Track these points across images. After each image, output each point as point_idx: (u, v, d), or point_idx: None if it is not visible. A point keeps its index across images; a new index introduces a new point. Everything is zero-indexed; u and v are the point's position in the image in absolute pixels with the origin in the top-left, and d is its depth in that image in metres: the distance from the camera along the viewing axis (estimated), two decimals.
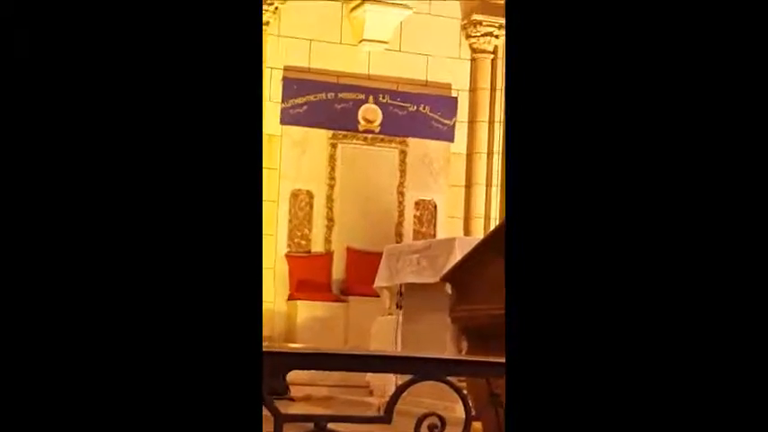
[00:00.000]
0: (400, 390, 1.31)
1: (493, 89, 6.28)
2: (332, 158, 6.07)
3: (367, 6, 5.95)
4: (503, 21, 6.11)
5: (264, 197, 5.72)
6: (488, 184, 6.27)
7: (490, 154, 6.25)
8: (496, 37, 6.29)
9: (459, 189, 6.31)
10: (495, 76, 6.31)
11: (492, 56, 6.32)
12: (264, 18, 5.99)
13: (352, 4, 6.12)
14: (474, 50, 6.30)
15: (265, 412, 1.24)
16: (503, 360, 1.14)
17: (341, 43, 6.25)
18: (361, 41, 6.13)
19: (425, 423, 1.23)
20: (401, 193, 6.20)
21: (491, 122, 6.32)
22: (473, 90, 6.25)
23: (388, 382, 2.62)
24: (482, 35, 6.22)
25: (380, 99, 6.13)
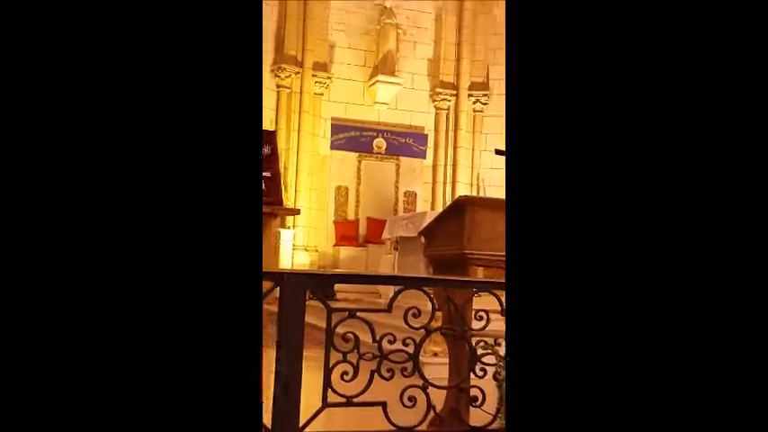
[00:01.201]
0: (396, 294, 1.87)
1: (447, 130, 9.10)
2: (358, 169, 8.85)
3: (378, 84, 8.65)
4: (453, 91, 9.09)
5: (322, 189, 8.72)
6: (444, 183, 9.05)
7: (445, 165, 9.05)
8: (449, 101, 9.11)
9: (428, 185, 9.09)
10: (448, 122, 9.12)
11: (447, 111, 9.14)
12: (320, 90, 8.51)
13: (370, 82, 8.80)
14: (436, 108, 9.16)
15: (320, 305, 1.74)
16: (454, 278, 1.75)
17: (363, 105, 8.96)
18: (374, 103, 8.86)
19: (410, 312, 1.75)
20: (397, 188, 8.96)
21: (446, 148, 9.08)
22: (436, 130, 9.13)
23: (389, 290, 2.99)
24: (441, 100, 9.11)
25: (385, 135, 8.95)
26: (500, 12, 9.06)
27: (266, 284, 1.75)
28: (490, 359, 2.23)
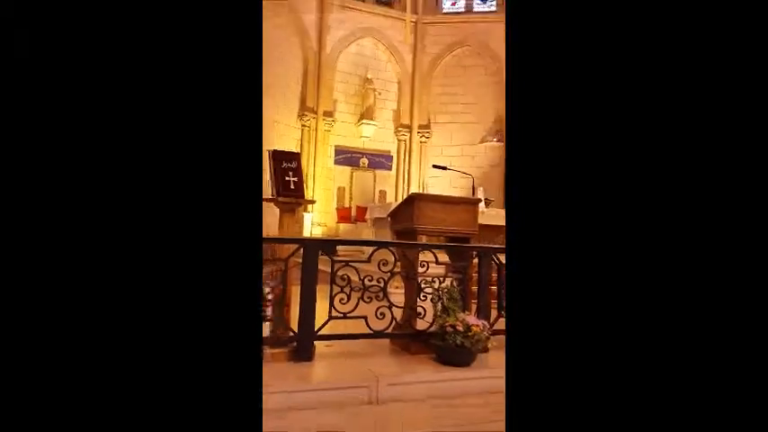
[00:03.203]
0: (373, 251, 2.49)
1: (404, 153, 10.95)
2: (351, 176, 10.58)
3: (363, 125, 10.49)
4: (408, 130, 10.75)
5: (328, 188, 10.15)
6: (402, 185, 10.86)
7: (403, 175, 10.90)
8: (405, 135, 10.93)
9: (392, 186, 10.83)
10: (405, 149, 10.93)
11: (404, 142, 10.95)
12: (328, 128, 10.33)
13: (358, 124, 10.54)
14: (398, 140, 11.00)
15: (327, 258, 2.41)
16: (407, 242, 2.68)
17: (354, 137, 10.63)
18: (361, 136, 10.56)
19: (381, 262, 2.37)
20: (374, 188, 10.70)
21: (403, 164, 10.96)
22: (398, 154, 10.95)
23: (369, 249, 2.88)
24: (401, 135, 10.97)
25: (367, 156, 10.67)
26: (437, 82, 11.19)
27: (294, 246, 2.36)
28: (429, 290, 2.80)
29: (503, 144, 10.59)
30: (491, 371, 2.69)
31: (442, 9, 11.22)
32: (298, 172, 2.96)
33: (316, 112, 10.25)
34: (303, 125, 10.20)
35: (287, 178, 2.90)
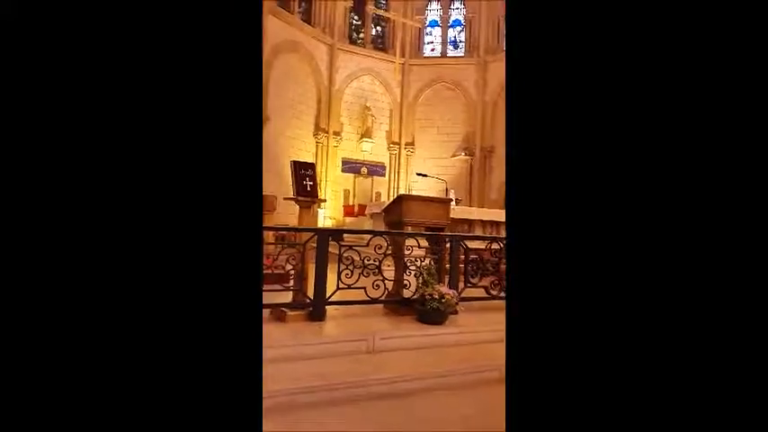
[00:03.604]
0: (371, 239, 2.70)
1: (394, 164, 10.94)
2: (354, 182, 10.49)
3: (363, 142, 10.48)
4: (397, 146, 10.65)
5: (337, 191, 10.03)
6: (393, 188, 10.81)
7: (394, 181, 10.88)
8: (395, 150, 10.93)
9: (386, 190, 10.80)
10: (395, 160, 10.95)
11: (395, 155, 10.93)
12: (336, 144, 10.16)
13: (359, 141, 10.52)
14: (390, 153, 10.99)
15: (336, 243, 2.71)
16: (397, 231, 2.79)
17: (356, 151, 10.60)
18: (362, 151, 10.55)
19: (376, 246, 2.62)
20: (372, 190, 10.64)
21: (394, 173, 10.94)
22: (390, 164, 10.94)
23: (368, 237, 2.77)
24: (392, 150, 10.98)
25: (367, 166, 10.66)
26: (419, 110, 11.29)
27: (309, 234, 2.44)
28: (413, 268, 2.90)
29: (469, 157, 10.90)
30: (458, 328, 2.82)
31: (423, 53, 11.60)
32: (313, 177, 2.99)
33: (327, 132, 10.43)
34: (317, 141, 10.38)
35: (304, 182, 2.95)
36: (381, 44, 11.07)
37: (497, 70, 10.43)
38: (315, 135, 10.27)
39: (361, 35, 10.89)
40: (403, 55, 10.76)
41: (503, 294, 3.26)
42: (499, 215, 5.76)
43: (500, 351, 2.52)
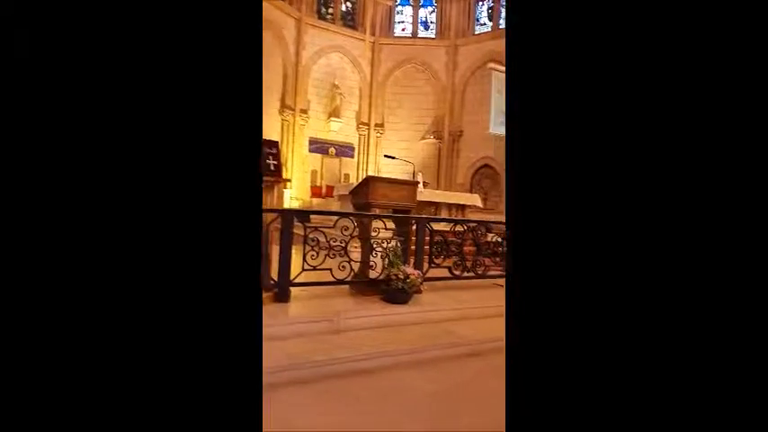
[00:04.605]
0: (337, 220, 2.66)
1: (363, 145, 10.81)
2: (322, 162, 10.30)
3: (331, 122, 10.30)
4: (366, 127, 10.48)
5: (304, 171, 9.74)
6: (361, 169, 10.69)
7: (362, 162, 10.77)
8: (364, 131, 10.73)
9: (354, 171, 10.69)
10: (364, 142, 10.81)
11: (364, 136, 10.79)
12: (303, 123, 9.82)
13: (327, 120, 10.33)
14: (359, 134, 10.85)
15: (301, 224, 2.37)
16: (363, 213, 2.70)
17: (324, 131, 10.40)
18: (330, 131, 10.35)
19: (343, 227, 2.53)
20: (340, 171, 10.50)
21: (362, 154, 10.81)
22: (359, 145, 10.84)
23: (335, 218, 2.76)
24: (361, 131, 10.83)
25: (335, 147, 10.48)
26: (389, 90, 11.14)
27: (274, 215, 2.29)
28: (379, 249, 2.90)
29: (437, 141, 10.99)
30: (422, 307, 2.82)
31: (394, 33, 11.41)
32: (277, 156, 2.84)
33: (293, 110, 10.04)
34: (283, 119, 9.98)
35: (268, 161, 2.82)
36: (351, 21, 10.73)
37: (468, 54, 10.35)
38: (281, 112, 9.90)
39: (330, 10, 10.52)
40: (373, 33, 10.55)
41: (465, 274, 3.33)
42: (465, 198, 5.83)
43: (462, 329, 2.50)
